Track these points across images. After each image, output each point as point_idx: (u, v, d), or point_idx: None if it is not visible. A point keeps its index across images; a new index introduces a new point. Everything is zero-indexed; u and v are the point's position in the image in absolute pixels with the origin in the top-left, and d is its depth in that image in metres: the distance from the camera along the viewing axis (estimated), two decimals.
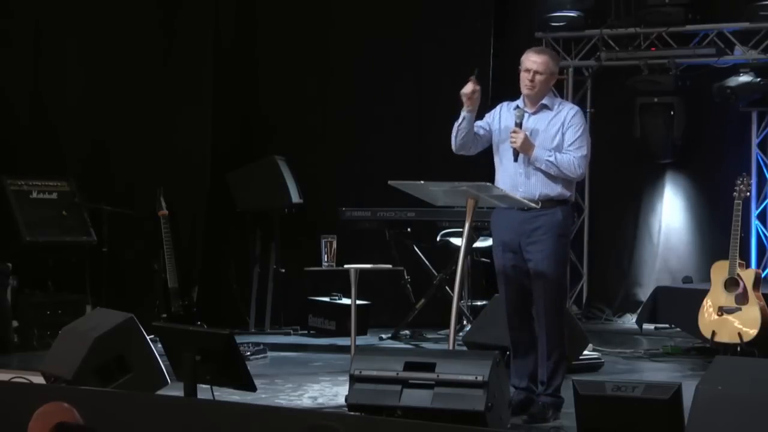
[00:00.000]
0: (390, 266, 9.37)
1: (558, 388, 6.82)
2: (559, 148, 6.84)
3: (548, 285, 6.83)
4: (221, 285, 10.97)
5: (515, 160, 6.86)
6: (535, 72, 6.89)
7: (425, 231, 10.37)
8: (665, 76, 10.97)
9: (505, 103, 7.07)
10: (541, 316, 6.90)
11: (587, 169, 6.97)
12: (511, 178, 6.89)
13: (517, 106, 6.94)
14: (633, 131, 11.08)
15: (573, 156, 6.82)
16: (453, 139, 6.99)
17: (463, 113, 6.89)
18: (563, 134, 6.86)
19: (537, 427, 6.70)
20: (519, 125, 6.85)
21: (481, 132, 6.99)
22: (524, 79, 6.93)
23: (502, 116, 6.99)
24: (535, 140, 6.84)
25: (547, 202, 6.85)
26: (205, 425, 6.01)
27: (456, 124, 6.94)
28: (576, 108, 7.00)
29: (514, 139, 6.83)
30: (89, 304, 9.76)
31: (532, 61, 6.93)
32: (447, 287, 9.95)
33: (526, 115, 6.92)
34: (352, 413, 6.30)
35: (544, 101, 6.94)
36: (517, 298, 6.95)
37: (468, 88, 6.83)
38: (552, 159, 6.80)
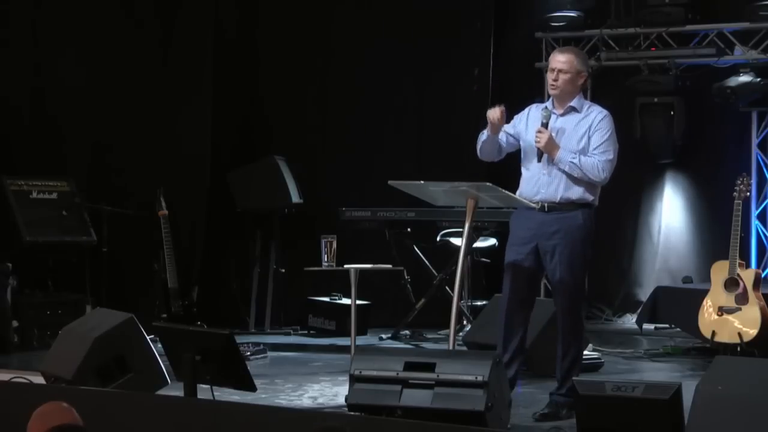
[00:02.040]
0: (390, 266, 9.37)
1: (572, 387, 6.79)
2: (584, 151, 6.81)
3: (565, 288, 6.84)
4: (221, 285, 10.96)
5: (539, 160, 6.84)
6: (559, 71, 6.86)
7: (425, 231, 10.37)
8: (665, 76, 10.96)
9: (534, 105, 7.07)
10: (558, 317, 6.92)
11: (611, 173, 6.88)
12: (534, 179, 6.88)
13: (546, 107, 6.93)
14: (633, 131, 11.07)
15: (597, 159, 6.79)
16: (477, 148, 7.02)
17: (486, 132, 6.90)
18: (589, 137, 6.83)
19: (536, 426, 6.71)
20: (545, 125, 6.83)
21: (506, 140, 6.98)
22: (549, 79, 6.93)
23: (530, 117, 6.98)
24: (560, 141, 6.82)
25: (568, 205, 6.83)
26: (205, 425, 6.02)
27: (479, 136, 6.96)
28: (605, 112, 6.92)
29: (538, 139, 6.81)
30: (89, 304, 9.76)
31: (556, 60, 6.92)
32: (447, 287, 9.94)
33: (554, 116, 6.89)
34: (352, 413, 6.30)
35: (572, 103, 6.90)
36: (519, 294, 6.91)
37: (494, 114, 6.80)
38: (575, 161, 6.77)
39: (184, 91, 10.88)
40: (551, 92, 6.93)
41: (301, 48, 11.31)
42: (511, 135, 7.00)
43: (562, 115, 6.92)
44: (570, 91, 6.90)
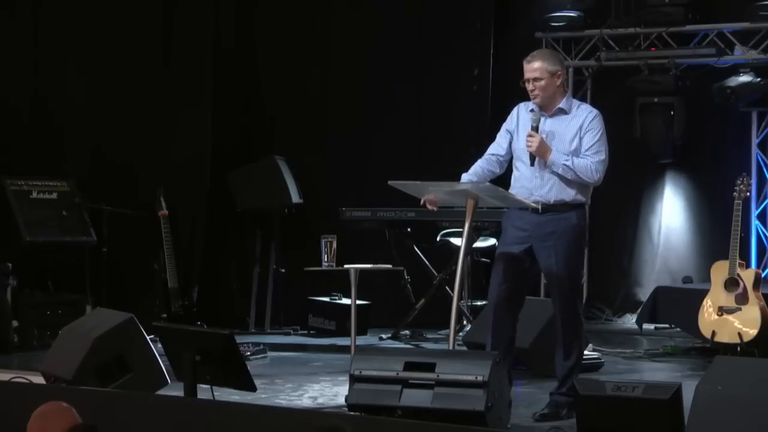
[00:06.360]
0: (390, 266, 9.37)
1: (572, 387, 6.77)
2: (576, 153, 6.78)
3: (563, 288, 6.82)
4: (221, 285, 10.97)
5: (531, 164, 6.81)
6: (533, 80, 6.84)
7: (425, 231, 10.37)
8: (665, 76, 10.95)
9: (522, 104, 7.01)
10: (557, 317, 6.91)
11: (604, 173, 6.86)
12: (527, 182, 6.85)
13: (533, 110, 6.88)
14: (633, 131, 11.07)
15: (590, 161, 6.77)
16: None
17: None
18: (581, 138, 6.80)
19: (536, 426, 6.70)
20: (536, 129, 6.79)
21: (502, 152, 6.97)
22: (529, 91, 6.90)
23: (520, 118, 6.95)
24: (552, 144, 6.79)
25: (562, 206, 6.81)
26: (205, 425, 6.02)
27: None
28: (595, 111, 6.90)
29: (530, 143, 6.77)
30: (89, 304, 9.76)
31: (527, 70, 6.88)
32: (447, 287, 9.94)
33: (543, 118, 6.86)
34: (352, 413, 6.30)
35: (561, 105, 6.87)
36: (509, 293, 6.86)
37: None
38: (569, 163, 6.75)
39: (185, 91, 10.88)
40: (534, 102, 6.88)
41: (300, 48, 11.31)
42: (504, 147, 6.97)
43: (551, 116, 6.89)
44: (552, 93, 6.86)
